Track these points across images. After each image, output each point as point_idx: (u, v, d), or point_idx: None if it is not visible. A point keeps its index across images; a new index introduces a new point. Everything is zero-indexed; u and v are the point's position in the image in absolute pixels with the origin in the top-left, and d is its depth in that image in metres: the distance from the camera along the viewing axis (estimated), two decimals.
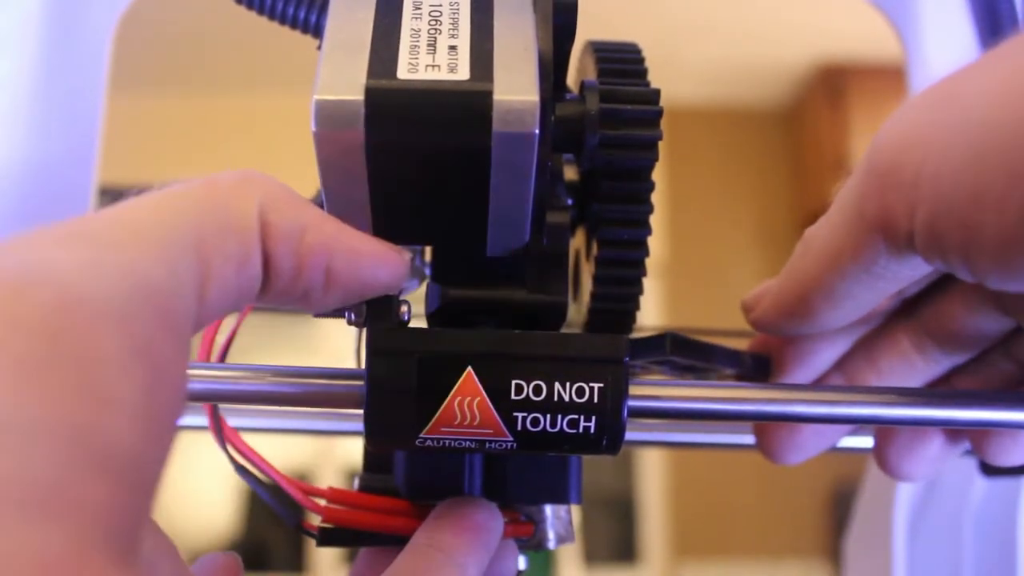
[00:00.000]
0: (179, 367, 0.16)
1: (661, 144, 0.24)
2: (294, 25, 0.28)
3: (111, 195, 0.58)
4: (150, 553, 0.21)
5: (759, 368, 0.30)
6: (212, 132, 2.54)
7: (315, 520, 0.27)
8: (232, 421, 0.29)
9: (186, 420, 0.36)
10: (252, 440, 0.27)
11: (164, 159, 2.31)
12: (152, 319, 0.16)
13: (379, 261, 0.21)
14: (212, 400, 0.24)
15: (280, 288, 0.19)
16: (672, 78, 2.56)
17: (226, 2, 0.27)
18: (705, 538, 2.55)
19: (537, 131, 0.21)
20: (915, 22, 0.46)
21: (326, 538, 0.26)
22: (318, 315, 0.24)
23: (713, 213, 2.60)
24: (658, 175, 0.25)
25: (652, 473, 2.64)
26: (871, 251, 0.23)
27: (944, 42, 0.45)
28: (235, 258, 0.18)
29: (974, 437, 0.29)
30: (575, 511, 0.30)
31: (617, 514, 2.64)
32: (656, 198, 0.25)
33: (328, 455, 2.41)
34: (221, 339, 0.26)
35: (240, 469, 0.26)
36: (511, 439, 0.23)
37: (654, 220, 0.25)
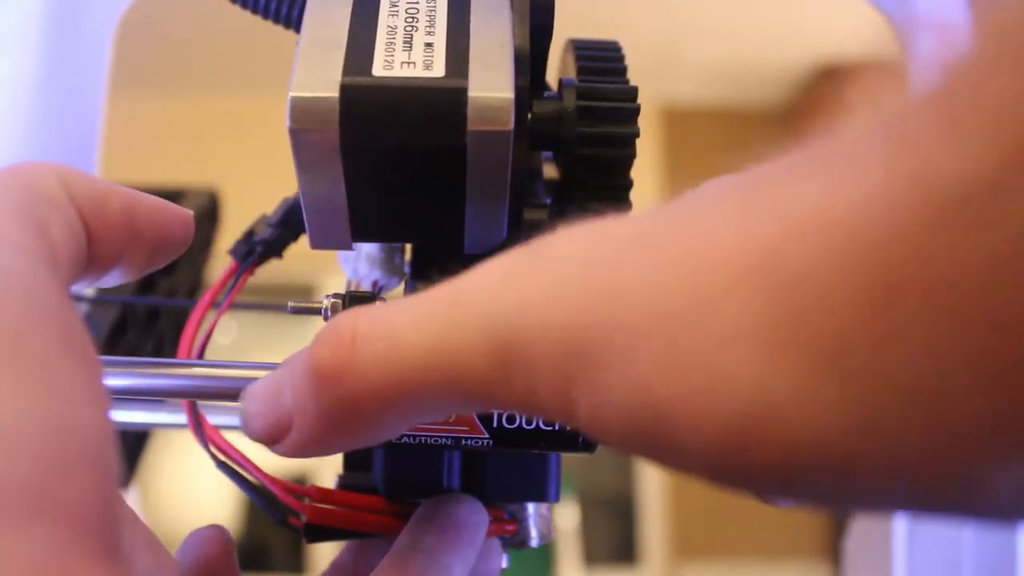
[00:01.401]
0: (88, 336, 0.17)
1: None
2: (280, 22, 0.28)
3: None
4: (128, 545, 0.21)
5: None
6: (212, 132, 2.55)
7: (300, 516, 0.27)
8: (218, 419, 0.29)
9: (177, 419, 0.36)
10: (238, 439, 0.27)
11: (164, 159, 2.31)
12: (59, 292, 0.16)
13: (173, 215, 0.21)
14: (187, 396, 0.24)
15: (99, 254, 0.20)
16: (672, 78, 2.56)
17: (225, 3, 0.27)
18: (705, 538, 2.55)
19: (512, 128, 0.21)
20: (915, 22, 0.46)
21: (312, 534, 0.26)
22: (295, 312, 0.24)
23: None
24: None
25: (652, 473, 2.64)
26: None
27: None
28: (67, 228, 0.19)
29: None
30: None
31: (617, 514, 2.64)
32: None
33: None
34: (199, 337, 0.26)
35: (222, 466, 0.26)
36: (487, 436, 0.23)
37: None
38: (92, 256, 0.20)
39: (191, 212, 0.22)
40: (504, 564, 0.28)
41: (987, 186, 0.11)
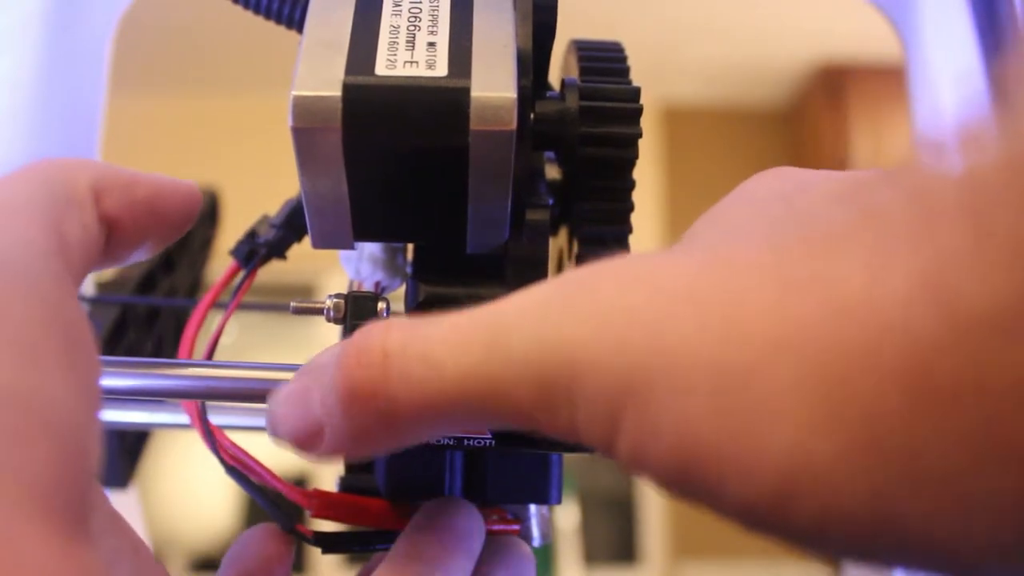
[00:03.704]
0: (87, 326, 0.17)
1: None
2: (282, 22, 0.28)
3: None
4: (113, 552, 0.21)
5: None
6: (212, 132, 2.55)
7: (309, 524, 0.27)
8: (219, 420, 0.29)
9: (177, 419, 0.35)
10: (241, 439, 0.27)
11: (164, 159, 2.31)
12: (55, 280, 0.17)
13: (191, 192, 0.23)
14: (188, 397, 0.24)
15: (125, 240, 0.21)
16: (672, 78, 2.56)
17: (226, 3, 0.27)
18: (705, 538, 2.54)
19: (515, 128, 0.21)
20: (915, 22, 0.46)
21: (326, 544, 0.26)
22: (297, 312, 0.24)
23: None
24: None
25: None
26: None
27: (944, 42, 0.45)
28: (82, 227, 0.20)
29: None
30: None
31: (617, 514, 2.64)
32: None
33: None
34: (209, 338, 0.26)
35: (231, 470, 0.26)
36: (488, 436, 0.23)
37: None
38: (117, 243, 0.21)
39: (195, 184, 0.23)
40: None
41: (1006, 318, 0.12)
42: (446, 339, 0.17)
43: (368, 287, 0.28)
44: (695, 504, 0.16)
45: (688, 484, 0.15)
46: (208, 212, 0.59)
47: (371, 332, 0.18)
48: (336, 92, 0.20)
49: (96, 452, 0.16)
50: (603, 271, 0.17)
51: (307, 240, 0.24)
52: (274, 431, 0.20)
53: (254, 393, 0.23)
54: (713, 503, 0.15)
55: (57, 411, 0.15)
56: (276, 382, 0.23)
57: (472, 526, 0.25)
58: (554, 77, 0.28)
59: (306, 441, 0.19)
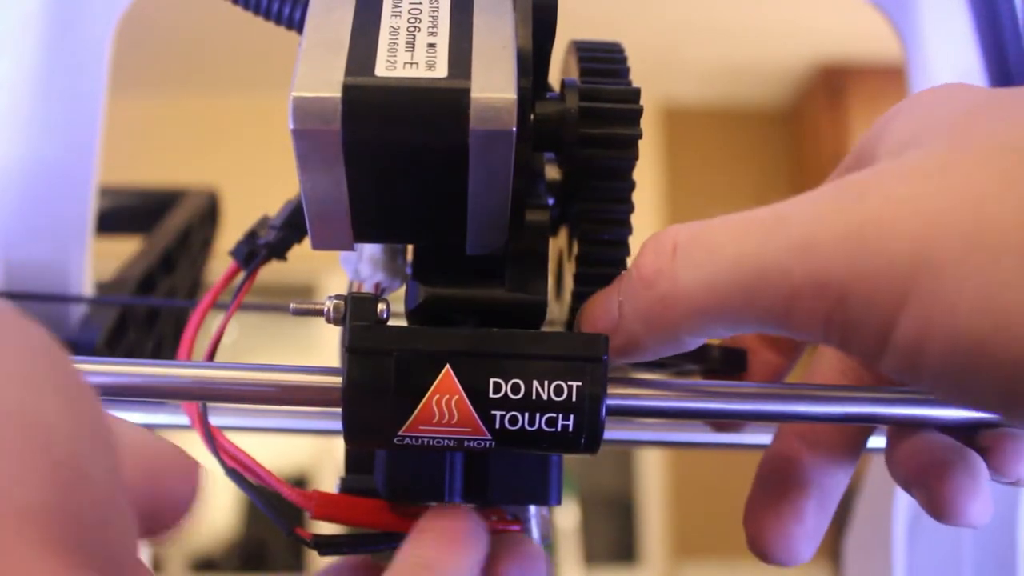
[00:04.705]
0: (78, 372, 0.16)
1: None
2: (282, 22, 0.28)
3: (111, 195, 0.58)
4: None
5: (731, 363, 0.29)
6: (212, 132, 2.55)
7: (308, 527, 0.27)
8: (220, 420, 0.29)
9: (177, 419, 0.35)
10: (240, 440, 0.27)
11: (164, 159, 2.31)
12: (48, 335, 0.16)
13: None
14: (188, 398, 0.24)
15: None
16: (672, 78, 2.56)
17: (226, 3, 0.27)
18: (705, 538, 2.54)
19: (515, 128, 0.21)
20: (915, 22, 0.46)
21: (325, 547, 0.26)
22: (297, 313, 0.24)
23: (713, 213, 2.58)
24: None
25: (652, 473, 2.63)
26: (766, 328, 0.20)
27: (944, 42, 0.45)
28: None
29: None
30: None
31: (617, 514, 2.64)
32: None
33: (328, 455, 2.41)
34: (210, 339, 0.26)
35: (231, 472, 0.26)
36: (489, 437, 0.23)
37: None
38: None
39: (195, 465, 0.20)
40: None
41: None
42: (728, 230, 0.19)
43: (368, 288, 0.28)
44: (970, 400, 0.16)
45: (978, 364, 0.15)
46: (208, 212, 0.59)
47: (666, 231, 0.21)
48: (336, 93, 0.20)
49: (103, 483, 0.15)
50: (868, 176, 0.18)
51: (307, 240, 0.24)
52: (580, 326, 0.23)
53: (254, 394, 0.23)
54: (1001, 388, 0.15)
55: (57, 439, 0.14)
56: (276, 383, 0.23)
57: (477, 532, 0.24)
58: (554, 78, 0.28)
59: (605, 331, 0.22)
